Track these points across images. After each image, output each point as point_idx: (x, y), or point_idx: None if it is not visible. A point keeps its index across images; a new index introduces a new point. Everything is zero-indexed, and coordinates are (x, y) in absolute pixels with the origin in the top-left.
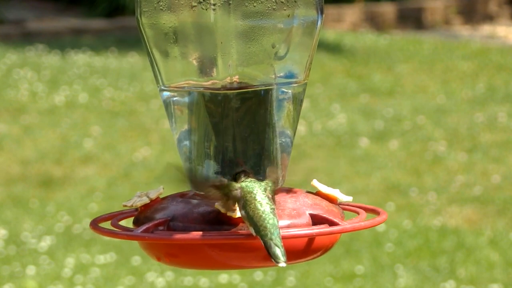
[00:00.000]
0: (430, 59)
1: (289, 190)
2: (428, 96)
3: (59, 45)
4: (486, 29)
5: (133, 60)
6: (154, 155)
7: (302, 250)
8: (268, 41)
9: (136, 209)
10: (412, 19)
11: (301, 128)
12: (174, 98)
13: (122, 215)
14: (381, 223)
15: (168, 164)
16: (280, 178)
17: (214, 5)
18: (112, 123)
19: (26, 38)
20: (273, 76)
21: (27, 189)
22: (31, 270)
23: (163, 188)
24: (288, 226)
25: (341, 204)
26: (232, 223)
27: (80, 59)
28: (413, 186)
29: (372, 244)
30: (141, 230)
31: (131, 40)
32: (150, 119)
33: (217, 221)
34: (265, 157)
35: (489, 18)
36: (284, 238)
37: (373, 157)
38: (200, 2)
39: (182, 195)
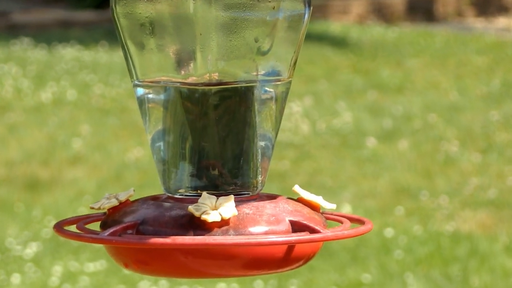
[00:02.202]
0: (442, 53)
1: (269, 196)
2: (440, 93)
3: (45, 38)
4: (501, 21)
5: None
6: (148, 156)
7: (281, 258)
8: (250, 35)
9: (105, 213)
10: (423, 10)
11: (304, 127)
12: (149, 95)
13: (90, 218)
14: (366, 232)
15: None
16: (260, 183)
17: None
18: (103, 121)
19: (10, 31)
20: (255, 73)
21: (12, 192)
22: (16, 278)
23: (134, 190)
24: (266, 233)
25: (324, 213)
26: (206, 228)
27: (68, 53)
28: (424, 189)
29: (380, 251)
30: (107, 233)
31: None
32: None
33: (191, 226)
34: (244, 160)
35: (504, 10)
36: (262, 245)
37: (381, 158)
38: None
39: (154, 198)
